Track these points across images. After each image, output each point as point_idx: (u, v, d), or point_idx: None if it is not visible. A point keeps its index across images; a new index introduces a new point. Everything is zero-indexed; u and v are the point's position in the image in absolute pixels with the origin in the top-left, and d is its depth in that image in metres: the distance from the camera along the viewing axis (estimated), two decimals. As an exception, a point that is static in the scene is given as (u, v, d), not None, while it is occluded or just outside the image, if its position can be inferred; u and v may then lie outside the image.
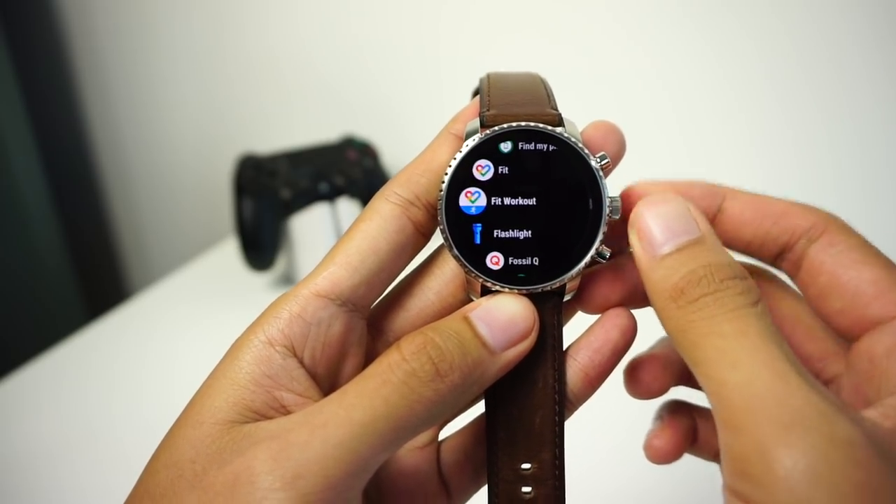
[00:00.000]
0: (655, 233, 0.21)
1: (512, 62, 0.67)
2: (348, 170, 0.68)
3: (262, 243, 0.66)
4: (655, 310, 0.21)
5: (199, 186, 0.96)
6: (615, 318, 0.24)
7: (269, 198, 0.65)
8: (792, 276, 0.23)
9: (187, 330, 0.65)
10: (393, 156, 0.76)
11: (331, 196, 0.66)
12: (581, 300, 0.24)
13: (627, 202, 0.23)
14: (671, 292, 0.20)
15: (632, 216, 0.22)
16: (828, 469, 0.16)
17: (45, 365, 0.61)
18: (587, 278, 0.24)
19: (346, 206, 0.67)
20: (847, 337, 0.22)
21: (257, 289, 0.70)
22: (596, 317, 0.25)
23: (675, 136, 0.63)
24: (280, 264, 0.70)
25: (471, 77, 0.70)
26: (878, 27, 0.53)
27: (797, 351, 0.23)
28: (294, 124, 0.85)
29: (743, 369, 0.18)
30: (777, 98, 0.58)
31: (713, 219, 0.23)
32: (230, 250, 0.78)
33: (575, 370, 0.24)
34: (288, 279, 0.71)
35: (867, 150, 0.57)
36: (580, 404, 0.24)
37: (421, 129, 0.77)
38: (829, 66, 0.56)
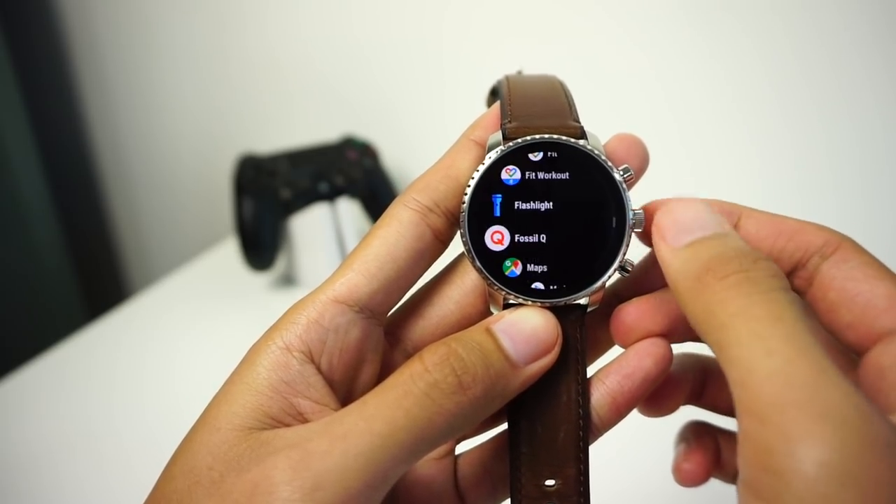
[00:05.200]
0: (681, 226, 0.20)
1: (514, 63, 0.67)
2: (348, 170, 0.68)
3: (262, 243, 0.66)
4: (678, 296, 0.20)
5: (199, 186, 0.96)
6: (650, 346, 0.23)
7: (269, 198, 0.65)
8: (803, 293, 0.22)
9: (187, 330, 0.65)
10: (393, 156, 0.76)
11: (331, 196, 0.66)
12: (619, 334, 0.24)
13: (649, 218, 0.22)
14: (698, 272, 0.19)
15: (655, 219, 0.21)
16: (860, 469, 0.15)
17: (45, 365, 0.61)
18: (626, 312, 0.23)
19: (346, 206, 0.67)
20: (856, 351, 0.21)
21: (257, 289, 0.70)
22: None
23: (674, 137, 0.63)
24: (280, 264, 0.70)
25: (471, 77, 0.71)
26: (878, 27, 0.53)
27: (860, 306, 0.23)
28: (294, 124, 0.85)
29: (778, 357, 0.17)
30: (776, 99, 0.58)
31: None
32: (230, 250, 0.78)
33: (602, 393, 0.23)
34: (288, 279, 0.71)
35: (866, 151, 0.57)
36: (606, 430, 0.23)
37: (421, 129, 0.77)
38: (829, 66, 0.56)
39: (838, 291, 0.21)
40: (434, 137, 0.76)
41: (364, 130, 0.78)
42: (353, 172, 0.68)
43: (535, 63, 0.68)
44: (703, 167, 0.63)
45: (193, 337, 0.63)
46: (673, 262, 0.20)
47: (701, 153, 0.63)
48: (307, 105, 0.83)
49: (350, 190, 0.67)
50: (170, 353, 0.61)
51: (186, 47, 0.88)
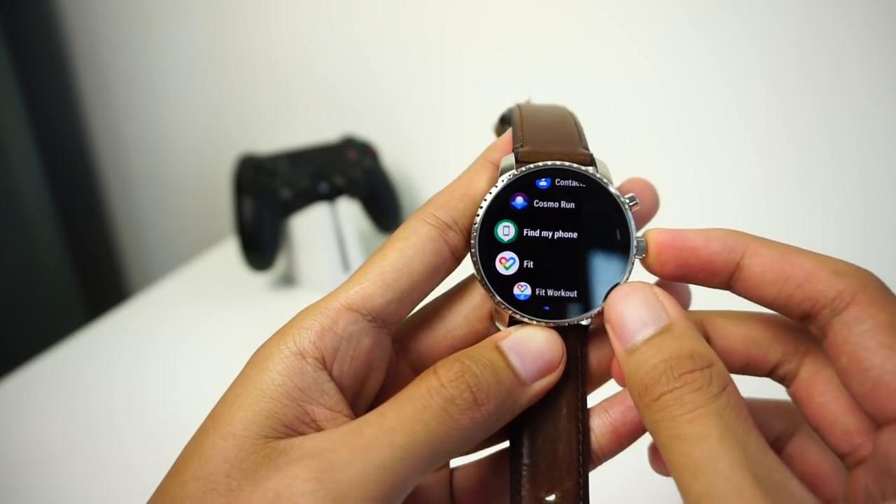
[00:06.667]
0: (627, 324, 0.21)
1: (514, 63, 0.67)
2: (348, 170, 0.68)
3: (262, 243, 0.66)
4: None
5: (199, 186, 0.96)
6: None
7: (269, 198, 0.65)
8: (820, 341, 0.21)
9: (187, 330, 0.65)
10: (393, 156, 0.76)
11: (331, 196, 0.66)
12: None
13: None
14: (639, 389, 0.20)
15: (605, 311, 0.22)
16: None
17: (45, 365, 0.61)
18: None
19: (346, 206, 0.67)
20: (874, 420, 0.20)
21: (257, 289, 0.70)
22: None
23: (673, 135, 0.63)
24: (280, 264, 0.70)
25: (472, 77, 0.71)
26: (878, 27, 0.53)
27: (833, 425, 0.22)
28: (294, 124, 0.85)
29: (702, 479, 0.18)
30: (776, 99, 0.58)
31: (733, 274, 0.22)
32: (230, 250, 0.78)
33: (605, 422, 0.23)
34: (288, 279, 0.71)
35: (867, 151, 0.57)
36: (606, 460, 0.24)
37: (421, 129, 0.77)
38: (828, 66, 0.56)
39: (849, 358, 0.20)
40: (434, 137, 0.76)
41: (364, 130, 0.78)
42: (353, 172, 0.68)
43: (534, 63, 0.68)
44: (703, 165, 0.63)
45: (193, 337, 0.63)
46: (625, 371, 0.21)
47: (700, 151, 0.63)
48: (307, 105, 0.83)
49: (350, 190, 0.67)
50: (170, 354, 0.61)
51: (186, 47, 0.88)
